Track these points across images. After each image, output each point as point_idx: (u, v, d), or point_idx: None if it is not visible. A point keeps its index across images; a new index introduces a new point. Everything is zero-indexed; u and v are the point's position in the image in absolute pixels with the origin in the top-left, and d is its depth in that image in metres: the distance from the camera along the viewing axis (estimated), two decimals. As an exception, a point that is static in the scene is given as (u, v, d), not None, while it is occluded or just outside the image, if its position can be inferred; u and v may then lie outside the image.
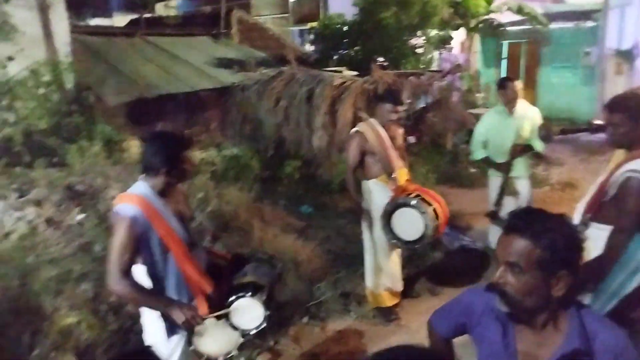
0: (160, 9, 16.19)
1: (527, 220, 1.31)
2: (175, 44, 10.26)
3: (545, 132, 4.16)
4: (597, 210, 2.60)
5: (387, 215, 3.52)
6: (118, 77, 8.12)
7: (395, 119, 3.70)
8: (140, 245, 2.12)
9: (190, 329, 2.12)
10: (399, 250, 3.88)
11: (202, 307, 2.20)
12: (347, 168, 3.71)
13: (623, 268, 2.34)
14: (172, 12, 15.42)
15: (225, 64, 9.88)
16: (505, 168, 4.43)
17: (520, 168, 4.52)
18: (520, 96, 4.49)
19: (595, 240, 2.59)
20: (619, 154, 2.89)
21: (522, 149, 4.37)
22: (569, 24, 12.03)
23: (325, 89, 6.68)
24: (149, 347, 2.19)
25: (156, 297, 2.17)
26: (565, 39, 12.16)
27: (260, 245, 4.04)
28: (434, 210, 3.51)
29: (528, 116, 4.45)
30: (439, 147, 8.71)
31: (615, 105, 2.55)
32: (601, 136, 10.64)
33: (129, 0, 14.69)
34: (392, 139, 3.77)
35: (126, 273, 2.09)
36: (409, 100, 7.55)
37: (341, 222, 5.16)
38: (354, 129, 3.77)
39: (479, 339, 1.55)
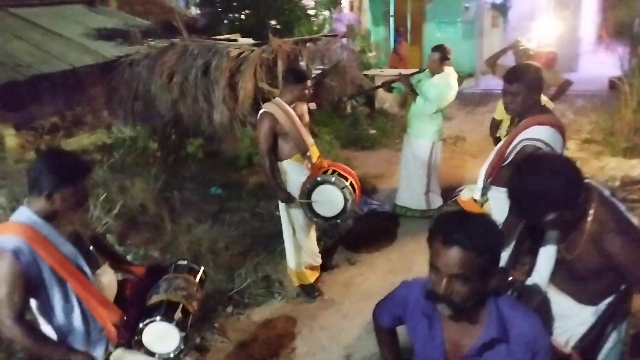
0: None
1: (464, 232, 1.36)
2: (46, 16, 9.17)
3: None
4: (497, 175, 2.82)
5: (307, 194, 3.53)
6: (-21, 58, 7.15)
7: (309, 95, 3.64)
8: (30, 280, 1.88)
9: None
10: (314, 226, 3.94)
11: (112, 336, 2.03)
12: (261, 151, 3.62)
13: None
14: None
15: (106, 35, 9.07)
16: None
17: (420, 130, 4.81)
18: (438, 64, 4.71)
19: (496, 200, 2.85)
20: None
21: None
22: (449, -19, 12.57)
23: (222, 62, 6.40)
24: None
25: (53, 345, 1.96)
26: (446, -5, 12.73)
27: (174, 238, 3.88)
28: (351, 184, 3.61)
29: (438, 83, 4.76)
30: (339, 111, 8.85)
31: (513, 76, 2.73)
32: (482, 88, 11.49)
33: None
34: (300, 116, 3.74)
35: (19, 317, 1.86)
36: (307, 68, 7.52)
37: (253, 201, 5.10)
38: (262, 110, 3.66)
39: (412, 331, 1.65)
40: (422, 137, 4.90)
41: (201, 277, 2.30)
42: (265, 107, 3.64)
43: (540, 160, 1.68)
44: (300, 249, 3.83)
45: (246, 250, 4.19)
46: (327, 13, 11.50)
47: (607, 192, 1.81)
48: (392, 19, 13.56)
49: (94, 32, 9.07)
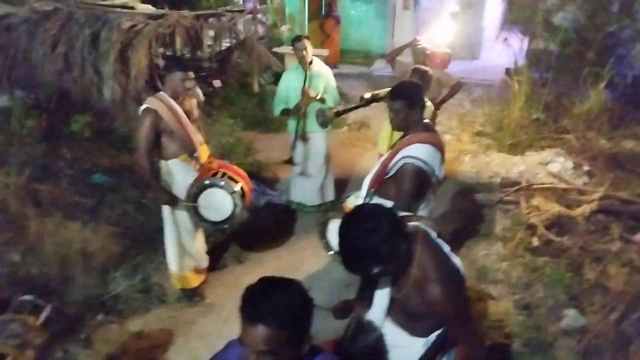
0: None
1: (268, 309, 1.32)
2: None
3: (323, 118, 4.41)
4: (380, 186, 2.89)
5: (194, 197, 3.36)
6: None
7: (190, 87, 3.41)
8: None
9: None
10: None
11: None
12: (140, 149, 3.34)
13: None
14: None
15: (-19, -12, 7.99)
16: (296, 111, 4.70)
17: (312, 126, 4.75)
18: (310, 53, 4.62)
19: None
20: None
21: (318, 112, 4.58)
22: (364, -42, 12.48)
23: (112, 34, 5.87)
24: None
25: None
26: (361, -28, 12.64)
27: (39, 240, 3.53)
28: (241, 187, 3.48)
29: (322, 73, 4.69)
30: (246, 88, 8.57)
31: (396, 94, 2.82)
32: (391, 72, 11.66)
33: None
34: (188, 112, 3.51)
35: None
36: (209, 44, 7.15)
37: (140, 190, 4.77)
38: (144, 106, 3.38)
39: None
40: (317, 131, 4.83)
41: (48, 315, 2.08)
42: (148, 103, 3.36)
43: (360, 220, 1.71)
44: (185, 252, 3.65)
45: (125, 250, 3.94)
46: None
47: (433, 234, 1.90)
48: (307, -8, 13.24)
49: (-34, -17, 7.95)
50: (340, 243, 1.72)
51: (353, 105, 4.63)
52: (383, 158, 2.96)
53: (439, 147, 2.81)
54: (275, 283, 1.42)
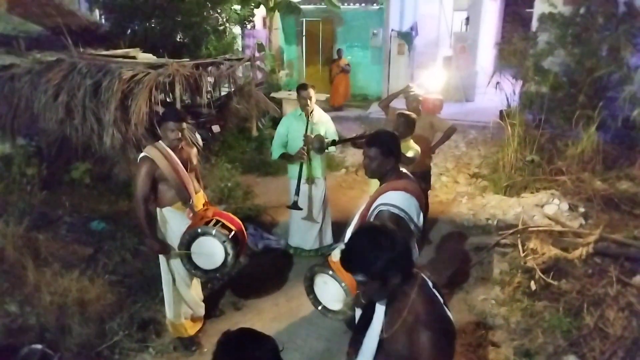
0: None
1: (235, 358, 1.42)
2: None
3: (319, 144, 4.50)
4: None
5: (186, 245, 3.37)
6: None
7: (178, 137, 3.41)
8: None
9: None
10: (198, 274, 3.78)
11: None
12: (136, 198, 3.40)
13: None
14: None
15: (-12, 40, 8.25)
16: (299, 157, 4.75)
17: (316, 171, 4.83)
18: (314, 101, 4.74)
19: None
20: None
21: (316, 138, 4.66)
22: (358, 6, 12.93)
23: (113, 83, 6.04)
24: None
25: None
26: (356, 20, 13.07)
27: (36, 290, 3.53)
28: (235, 235, 3.49)
29: (322, 121, 4.80)
30: (245, 133, 8.71)
31: (371, 141, 2.83)
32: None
33: None
34: (185, 161, 3.57)
35: None
36: (208, 90, 7.33)
37: (138, 237, 4.78)
38: (142, 154, 3.46)
39: None
40: (320, 176, 4.93)
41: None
42: (146, 152, 3.44)
43: (378, 230, 1.85)
44: (181, 300, 3.64)
45: (122, 298, 3.92)
46: (237, 29, 11.36)
47: (430, 283, 1.91)
48: (304, 39, 13.67)
49: (-27, 35, 8.23)
50: (351, 237, 1.85)
51: (350, 137, 4.72)
52: (361, 209, 2.92)
53: (415, 193, 2.77)
54: (251, 335, 1.46)
